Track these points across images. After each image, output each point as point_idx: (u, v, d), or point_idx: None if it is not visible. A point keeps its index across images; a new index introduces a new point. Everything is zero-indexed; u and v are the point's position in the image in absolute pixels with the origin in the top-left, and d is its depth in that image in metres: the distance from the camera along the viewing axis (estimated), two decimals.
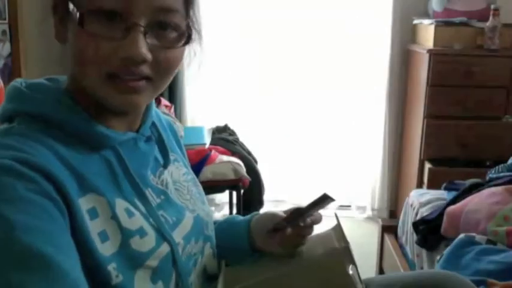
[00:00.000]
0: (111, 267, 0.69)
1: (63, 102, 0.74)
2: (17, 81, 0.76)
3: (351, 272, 0.80)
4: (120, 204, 0.74)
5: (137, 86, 0.71)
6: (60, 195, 0.64)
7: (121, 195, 0.75)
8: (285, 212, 0.96)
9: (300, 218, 0.89)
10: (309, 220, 0.91)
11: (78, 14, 0.67)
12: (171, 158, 0.91)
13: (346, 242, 0.83)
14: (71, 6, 0.69)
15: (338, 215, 0.95)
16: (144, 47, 0.68)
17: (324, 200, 0.83)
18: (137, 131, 0.83)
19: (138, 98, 0.73)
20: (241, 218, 1.04)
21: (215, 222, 1.02)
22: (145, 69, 0.71)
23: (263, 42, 3.31)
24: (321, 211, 0.93)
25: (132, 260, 0.72)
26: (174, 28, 0.73)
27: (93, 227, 0.69)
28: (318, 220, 0.93)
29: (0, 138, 0.68)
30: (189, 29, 0.75)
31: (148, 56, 0.69)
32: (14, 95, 0.74)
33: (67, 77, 0.79)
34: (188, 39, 0.75)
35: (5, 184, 0.61)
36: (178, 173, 0.92)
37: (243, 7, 3.26)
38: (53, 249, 0.59)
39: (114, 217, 0.71)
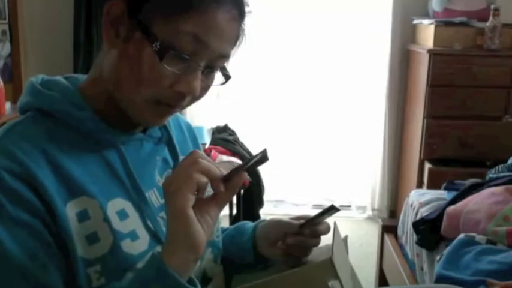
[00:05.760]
0: (92, 270, 0.70)
1: (73, 100, 0.75)
2: (37, 77, 0.79)
3: (330, 285, 0.79)
4: (113, 207, 0.74)
5: (174, 112, 0.78)
6: (43, 204, 0.67)
7: (119, 195, 0.75)
8: (292, 218, 0.96)
9: (307, 226, 0.91)
10: (316, 229, 0.91)
11: (158, 47, 0.69)
12: None
13: (331, 254, 0.81)
14: (151, 38, 0.70)
15: (337, 222, 0.93)
16: (199, 85, 0.74)
17: (331, 210, 0.87)
18: (144, 131, 0.84)
19: (167, 119, 0.81)
20: (250, 224, 1.04)
21: (226, 229, 1.03)
22: (187, 100, 0.76)
23: (263, 42, 3.31)
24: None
25: (123, 262, 0.72)
26: (220, 70, 0.79)
27: (81, 230, 0.69)
28: (324, 231, 0.92)
29: (3, 134, 0.72)
30: (226, 70, 0.79)
31: (199, 92, 0.75)
32: (29, 90, 0.77)
33: (87, 77, 0.80)
34: (227, 80, 0.79)
35: None
36: None
37: None
38: (31, 263, 0.64)
39: (106, 219, 0.72)
